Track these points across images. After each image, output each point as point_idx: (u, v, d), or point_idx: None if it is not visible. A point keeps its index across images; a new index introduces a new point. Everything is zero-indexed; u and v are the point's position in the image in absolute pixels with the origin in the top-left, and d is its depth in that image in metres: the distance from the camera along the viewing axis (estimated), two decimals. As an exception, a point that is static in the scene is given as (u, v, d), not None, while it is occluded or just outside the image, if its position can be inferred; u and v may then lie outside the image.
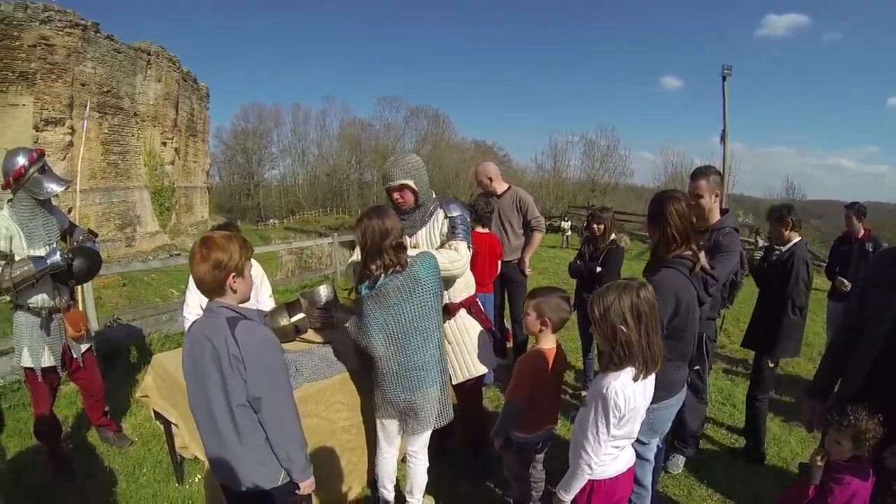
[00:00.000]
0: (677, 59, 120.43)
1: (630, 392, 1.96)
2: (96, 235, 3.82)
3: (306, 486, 2.12)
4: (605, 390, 1.95)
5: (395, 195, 3.10)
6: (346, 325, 2.86)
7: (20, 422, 4.08)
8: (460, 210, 3.23)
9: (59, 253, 3.18)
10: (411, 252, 2.82)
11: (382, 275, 2.61)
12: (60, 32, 15.89)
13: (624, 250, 4.88)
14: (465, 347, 3.30)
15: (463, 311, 3.31)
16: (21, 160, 3.11)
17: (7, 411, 4.25)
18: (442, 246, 3.15)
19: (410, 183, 3.06)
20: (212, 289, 1.96)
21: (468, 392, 3.49)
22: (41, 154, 3.24)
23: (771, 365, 3.77)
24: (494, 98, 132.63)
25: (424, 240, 3.19)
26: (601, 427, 1.98)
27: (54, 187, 3.23)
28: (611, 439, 2.02)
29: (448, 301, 3.22)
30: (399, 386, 2.71)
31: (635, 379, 1.98)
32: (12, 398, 4.40)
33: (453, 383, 3.24)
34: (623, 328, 1.94)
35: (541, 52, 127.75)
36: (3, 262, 3.13)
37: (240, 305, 2.02)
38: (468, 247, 3.16)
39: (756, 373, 3.96)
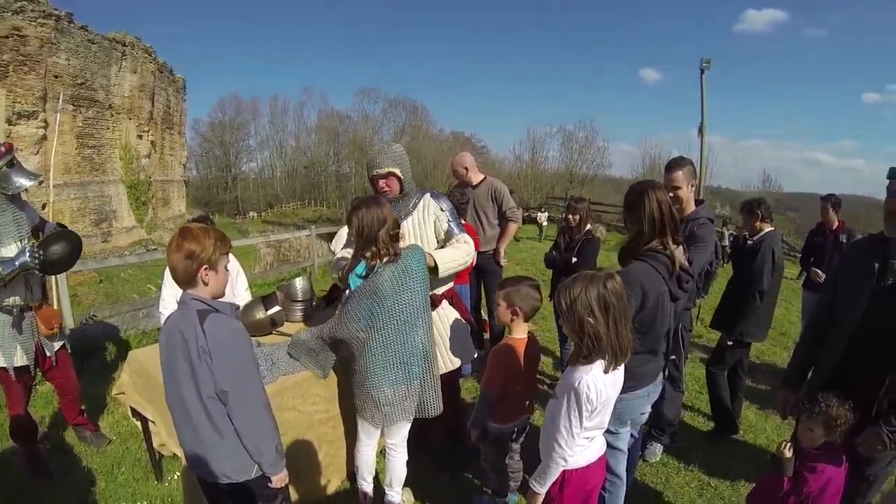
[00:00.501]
0: (656, 51, 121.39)
1: (601, 385, 1.98)
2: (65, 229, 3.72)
3: (278, 479, 2.13)
4: (576, 384, 1.96)
5: (381, 183, 3.11)
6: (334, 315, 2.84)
7: (-3, 422, 4.02)
8: (449, 203, 3.29)
9: (28, 252, 3.08)
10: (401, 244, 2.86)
11: (377, 263, 2.63)
12: (33, 23, 15.54)
13: (600, 241, 4.92)
14: (446, 340, 3.32)
15: (445, 303, 3.33)
16: None
17: (-17, 412, 4.18)
18: (444, 240, 3.20)
19: (397, 171, 3.09)
20: (183, 279, 1.98)
21: (446, 384, 3.46)
22: (10, 148, 3.16)
23: (728, 343, 3.94)
24: (473, 90, 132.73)
25: (411, 229, 3.19)
26: (574, 420, 2.00)
27: (23, 182, 3.15)
28: (583, 431, 2.04)
29: (432, 293, 3.22)
30: (384, 379, 2.71)
31: (606, 371, 1.99)
32: (-15, 399, 4.32)
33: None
34: (591, 320, 1.93)
35: (520, 43, 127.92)
36: None
37: (213, 299, 2.03)
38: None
39: (716, 348, 4.18)
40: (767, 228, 4.00)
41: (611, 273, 2.01)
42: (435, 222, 3.22)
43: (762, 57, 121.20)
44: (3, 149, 3.12)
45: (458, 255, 3.10)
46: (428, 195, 3.27)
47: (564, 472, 2.13)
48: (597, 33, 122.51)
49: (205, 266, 1.96)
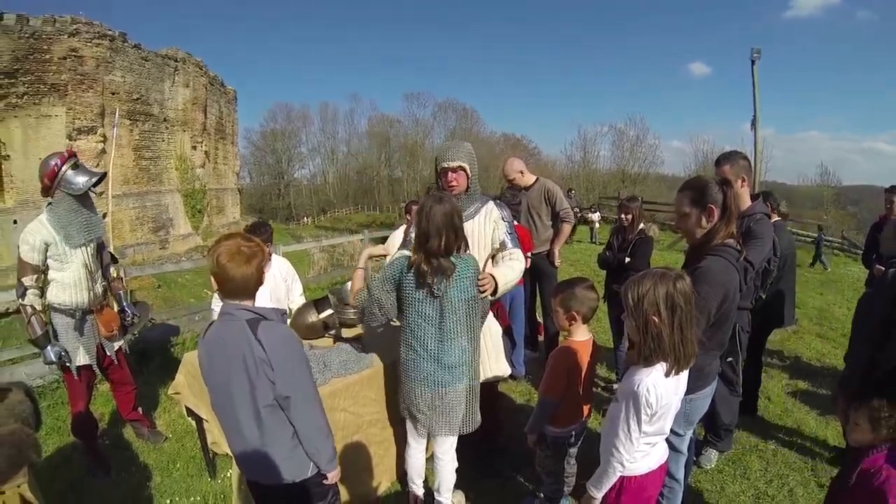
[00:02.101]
0: (704, 44, 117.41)
1: (662, 389, 1.89)
2: (116, 261, 3.95)
3: (334, 475, 2.15)
4: (636, 387, 1.88)
5: (450, 175, 3.09)
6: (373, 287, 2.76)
7: (59, 419, 4.19)
8: (507, 211, 3.27)
9: (57, 353, 3.28)
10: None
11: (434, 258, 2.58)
12: (89, 44, 16.23)
13: (653, 240, 4.83)
14: (489, 349, 3.26)
15: (490, 314, 3.27)
16: (53, 160, 3.23)
17: (47, 409, 4.35)
18: (497, 250, 3.13)
19: (466, 166, 3.09)
20: (248, 290, 1.98)
21: (486, 390, 3.42)
22: (72, 153, 3.34)
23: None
24: (522, 90, 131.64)
25: (470, 232, 3.12)
26: (633, 424, 1.92)
27: (85, 179, 3.29)
28: (642, 436, 1.95)
29: None
30: (424, 382, 2.68)
31: (667, 375, 1.89)
32: (51, 397, 4.53)
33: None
34: (655, 319, 1.84)
35: (567, 42, 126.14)
36: (32, 311, 3.24)
37: (257, 305, 2.02)
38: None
39: None
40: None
41: (681, 274, 1.91)
42: (494, 230, 3.19)
43: (814, 44, 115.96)
44: (66, 154, 3.30)
45: (514, 275, 3.05)
46: (492, 203, 3.25)
47: (622, 478, 2.04)
48: (644, 29, 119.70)
49: (263, 274, 1.99)
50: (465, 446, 3.22)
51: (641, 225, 4.76)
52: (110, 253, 3.84)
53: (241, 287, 1.96)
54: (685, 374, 1.99)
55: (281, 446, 2.02)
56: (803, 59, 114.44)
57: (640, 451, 2.02)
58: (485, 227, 3.19)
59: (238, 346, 1.91)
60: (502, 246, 3.17)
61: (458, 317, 2.63)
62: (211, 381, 2.05)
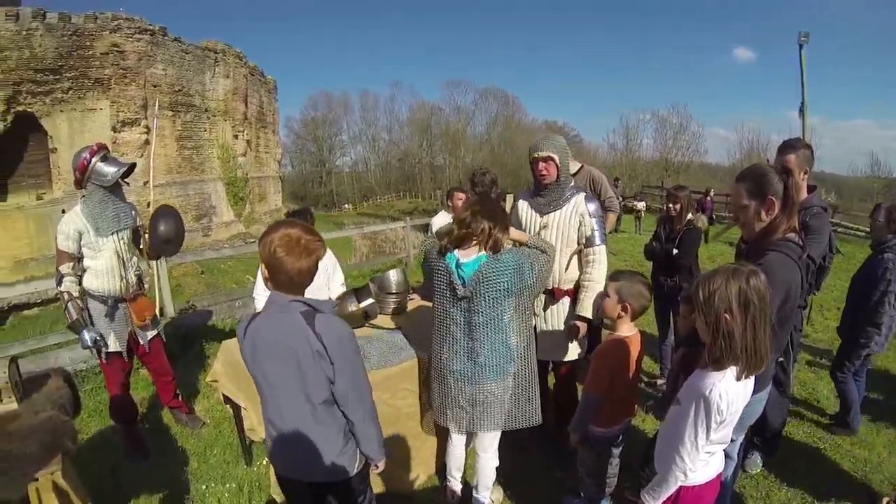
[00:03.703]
0: (749, 28, 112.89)
1: (733, 394, 1.75)
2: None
3: (384, 463, 2.14)
4: (708, 392, 1.73)
5: (541, 165, 3.19)
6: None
7: (101, 402, 4.26)
8: (596, 205, 3.27)
9: (92, 338, 3.31)
10: (542, 232, 3.17)
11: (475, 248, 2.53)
12: (130, 39, 16.62)
13: (701, 231, 4.63)
14: (559, 333, 3.29)
15: (566, 299, 3.29)
16: (84, 154, 3.29)
17: (89, 393, 4.45)
18: (584, 245, 3.21)
19: (556, 157, 3.15)
20: (303, 283, 1.88)
21: (562, 378, 3.51)
22: (101, 146, 3.38)
23: None
24: (563, 77, 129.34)
25: (557, 222, 3.24)
26: (700, 432, 1.78)
27: (117, 170, 3.33)
28: (708, 444, 1.82)
29: (555, 287, 3.26)
30: (459, 379, 2.63)
31: (738, 378, 1.75)
32: (94, 381, 4.61)
33: (544, 358, 3.23)
34: (727, 317, 1.70)
35: (608, 26, 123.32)
36: (69, 297, 3.28)
37: (309, 297, 1.92)
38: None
39: None
40: None
41: (755, 269, 1.76)
42: (580, 224, 3.21)
43: (864, 26, 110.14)
44: (95, 147, 3.35)
45: (598, 288, 3.10)
46: (581, 195, 3.26)
47: (680, 488, 1.90)
48: (688, 13, 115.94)
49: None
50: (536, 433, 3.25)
51: (689, 215, 4.57)
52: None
53: (296, 282, 1.86)
54: (752, 379, 1.84)
55: (333, 443, 1.97)
56: (852, 44, 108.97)
57: (702, 460, 1.88)
58: (570, 219, 3.22)
59: (293, 340, 1.83)
60: (588, 242, 3.20)
61: (491, 318, 2.52)
62: (258, 375, 1.96)
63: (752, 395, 2.13)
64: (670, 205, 4.59)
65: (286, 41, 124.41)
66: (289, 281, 1.84)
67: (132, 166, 3.45)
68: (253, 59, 25.02)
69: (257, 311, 2.11)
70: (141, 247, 3.66)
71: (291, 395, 1.90)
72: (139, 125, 17.05)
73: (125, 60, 16.49)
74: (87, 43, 15.57)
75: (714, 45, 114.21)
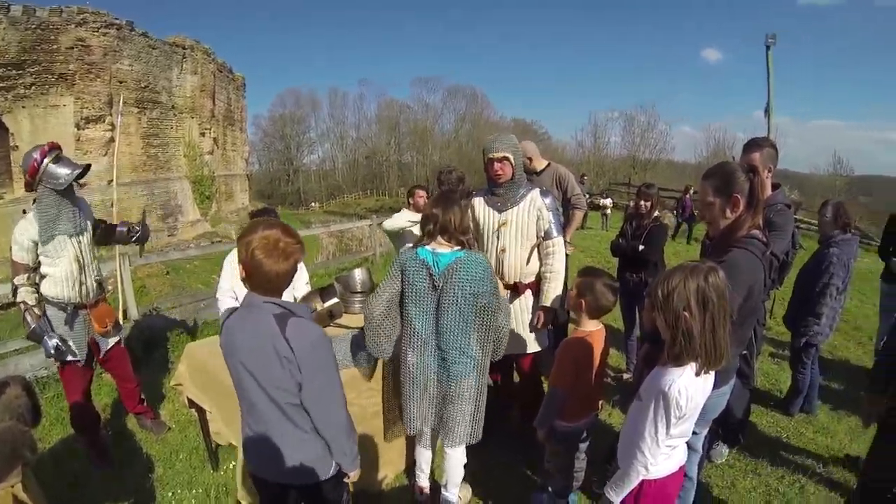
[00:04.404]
0: (718, 30, 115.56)
1: (693, 389, 1.78)
2: (140, 228, 3.82)
3: (355, 475, 2.10)
4: (667, 388, 1.76)
5: (496, 166, 3.25)
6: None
7: (63, 410, 4.11)
8: (551, 198, 3.37)
9: (55, 345, 3.21)
10: (501, 229, 3.25)
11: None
12: (96, 33, 16.19)
13: (668, 228, 4.70)
14: (523, 326, 3.37)
15: (528, 292, 3.37)
16: (34, 155, 3.12)
17: (51, 400, 4.33)
18: (543, 238, 3.29)
19: (511, 156, 3.23)
20: (280, 287, 1.86)
21: (525, 371, 3.59)
22: (53, 146, 3.22)
23: None
24: (532, 75, 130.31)
25: (514, 219, 3.30)
26: (660, 427, 1.81)
27: (70, 173, 3.17)
28: (668, 438, 1.86)
29: (517, 281, 3.33)
30: (426, 380, 2.67)
31: (697, 374, 1.79)
32: (55, 388, 4.47)
33: (508, 352, 3.23)
34: (686, 314, 1.73)
35: (579, 25, 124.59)
36: (25, 307, 3.21)
37: (284, 300, 1.91)
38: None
39: None
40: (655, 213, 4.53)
41: (714, 266, 1.79)
42: (538, 219, 3.28)
43: (830, 30, 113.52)
44: (47, 147, 3.18)
45: (560, 279, 3.28)
46: (537, 191, 3.34)
47: (643, 482, 1.94)
48: (657, 14, 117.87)
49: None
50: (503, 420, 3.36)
51: (657, 212, 4.66)
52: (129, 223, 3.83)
53: (274, 285, 1.84)
54: (712, 374, 1.88)
55: (303, 445, 1.95)
56: (819, 47, 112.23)
57: (663, 454, 1.92)
58: (527, 215, 3.28)
59: (262, 341, 1.81)
60: (547, 235, 3.28)
61: (459, 315, 2.56)
62: (232, 371, 1.94)
63: (716, 388, 2.17)
64: (641, 202, 4.65)
65: (255, 38, 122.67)
66: (266, 283, 1.82)
67: (87, 168, 3.31)
68: (221, 56, 24.65)
69: (228, 309, 2.08)
70: (112, 241, 3.60)
71: (259, 394, 1.88)
72: (104, 122, 16.61)
73: (90, 55, 16.06)
74: (52, 37, 15.11)
75: (682, 45, 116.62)
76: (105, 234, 3.61)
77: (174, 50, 20.42)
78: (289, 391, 1.84)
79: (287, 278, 1.86)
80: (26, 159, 3.12)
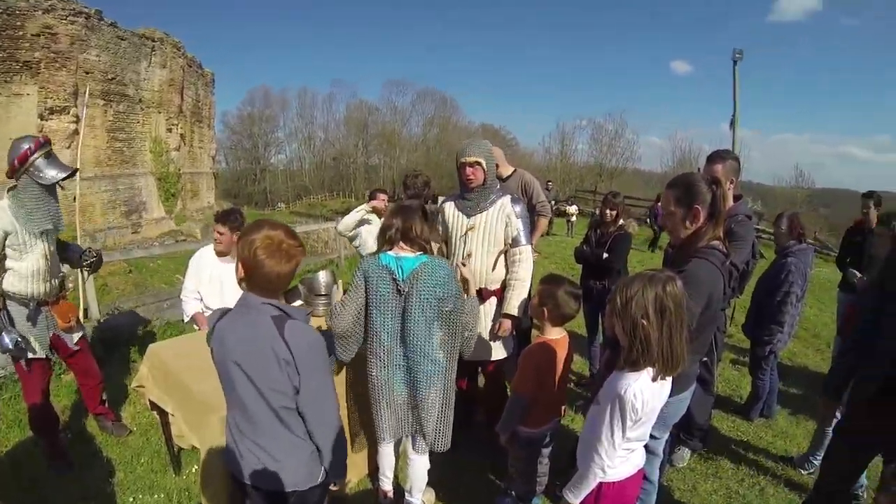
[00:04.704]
0: (687, 43, 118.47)
1: (648, 394, 1.84)
2: (97, 255, 3.74)
3: (342, 484, 2.11)
4: (622, 392, 1.82)
5: (468, 170, 3.28)
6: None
7: (20, 412, 4.01)
8: (521, 206, 3.37)
9: (13, 341, 3.11)
10: (469, 233, 3.28)
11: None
12: (63, 21, 15.74)
13: (632, 236, 4.77)
14: (487, 332, 3.37)
15: (493, 299, 3.38)
16: (26, 145, 3.06)
17: (7, 402, 4.21)
18: (511, 245, 3.31)
19: (483, 161, 3.25)
20: (280, 288, 1.86)
21: (490, 377, 3.63)
22: (47, 140, 3.19)
23: None
24: (502, 81, 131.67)
25: (483, 224, 3.32)
26: (616, 430, 1.86)
27: (58, 173, 3.14)
28: (625, 441, 1.91)
29: (482, 287, 3.33)
30: (392, 387, 2.69)
31: (654, 379, 1.84)
32: (12, 389, 4.33)
33: (472, 359, 3.31)
34: (644, 322, 1.78)
35: (550, 34, 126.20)
36: None
37: (282, 302, 1.89)
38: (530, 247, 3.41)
39: None
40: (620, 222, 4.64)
41: (672, 276, 1.84)
42: (507, 225, 3.30)
43: (796, 48, 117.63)
44: (41, 140, 3.14)
45: (525, 287, 3.28)
46: (507, 198, 3.35)
47: (601, 484, 1.99)
48: (628, 24, 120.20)
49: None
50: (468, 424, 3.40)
51: (622, 221, 4.69)
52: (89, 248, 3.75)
53: (273, 286, 1.83)
54: (669, 379, 1.94)
55: (290, 451, 1.93)
56: (785, 63, 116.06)
57: (621, 457, 1.97)
58: (496, 221, 3.30)
59: (260, 343, 1.79)
60: (514, 242, 3.30)
61: (424, 321, 2.58)
62: (223, 373, 1.92)
63: (676, 395, 2.26)
64: (607, 210, 4.67)
65: (227, 33, 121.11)
66: (266, 284, 1.81)
67: (74, 171, 3.27)
68: (191, 50, 24.28)
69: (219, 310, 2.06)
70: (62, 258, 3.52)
71: (253, 397, 1.86)
72: (68, 113, 16.11)
73: (57, 44, 15.58)
74: (18, 23, 14.63)
75: (653, 56, 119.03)
76: (58, 249, 3.50)
77: (143, 42, 20.01)
78: (285, 394, 1.83)
79: (287, 280, 1.86)
80: (16, 147, 3.05)
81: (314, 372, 1.84)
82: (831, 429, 3.04)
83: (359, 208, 4.31)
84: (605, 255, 4.53)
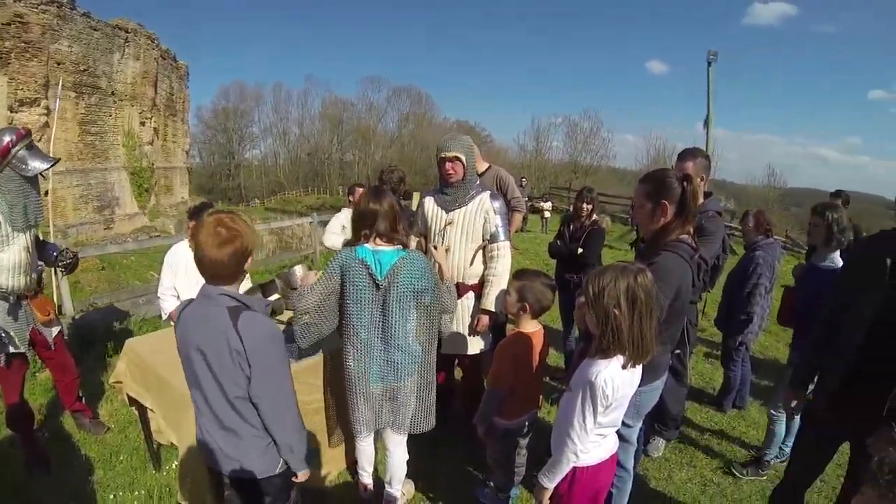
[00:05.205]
0: (663, 43, 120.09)
1: (619, 381, 1.90)
2: (73, 257, 3.67)
3: (304, 475, 2.11)
4: (593, 378, 1.88)
5: (448, 165, 3.33)
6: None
7: (-4, 411, 3.97)
8: (500, 203, 3.42)
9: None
10: (448, 228, 3.33)
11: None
12: (35, 10, 15.39)
13: (605, 232, 4.83)
14: (464, 327, 3.44)
15: (471, 294, 3.43)
16: (7, 137, 3.01)
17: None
18: (488, 241, 3.36)
19: (462, 157, 3.31)
20: (230, 274, 1.86)
21: (468, 370, 3.71)
22: (28, 132, 3.15)
23: None
24: (477, 79, 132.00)
25: (461, 219, 3.37)
26: (588, 415, 1.93)
27: (40, 164, 3.10)
28: (597, 427, 1.97)
29: (460, 282, 3.37)
30: (369, 379, 2.68)
31: (624, 367, 1.91)
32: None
33: (450, 352, 3.48)
34: (616, 311, 1.85)
35: (526, 32, 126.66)
36: None
37: (241, 293, 1.91)
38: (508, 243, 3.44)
39: None
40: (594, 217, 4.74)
41: (643, 268, 1.92)
42: (485, 221, 3.35)
43: (770, 51, 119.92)
44: (22, 132, 3.11)
45: (503, 283, 3.29)
46: (487, 194, 3.40)
47: (575, 468, 2.06)
48: (604, 23, 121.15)
49: (250, 257, 1.89)
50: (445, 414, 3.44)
51: (595, 216, 4.77)
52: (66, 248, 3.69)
53: (217, 272, 1.84)
54: (639, 367, 2.01)
55: (256, 441, 1.96)
56: (759, 65, 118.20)
57: (593, 442, 2.04)
58: (475, 216, 3.35)
59: (214, 333, 1.81)
60: (493, 238, 3.35)
61: (402, 315, 2.60)
62: (185, 361, 1.95)
63: (648, 384, 2.33)
64: (583, 204, 4.71)
65: (203, 26, 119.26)
66: (210, 269, 1.84)
67: (56, 161, 3.23)
68: (166, 43, 23.92)
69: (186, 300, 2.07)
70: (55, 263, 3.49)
71: (211, 387, 1.89)
72: (39, 105, 15.76)
73: (28, 33, 15.22)
74: (-12, 12, 14.30)
75: (628, 55, 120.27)
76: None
77: (116, 33, 19.67)
78: (238, 385, 1.85)
79: (230, 266, 1.84)
80: None
81: (266, 364, 1.85)
82: (797, 419, 3.15)
83: (335, 218, 4.33)
84: (581, 251, 4.59)
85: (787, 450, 3.56)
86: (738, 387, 4.47)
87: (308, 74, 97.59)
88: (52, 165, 3.17)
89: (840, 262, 3.14)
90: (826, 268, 3.19)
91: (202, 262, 1.83)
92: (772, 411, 3.55)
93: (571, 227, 4.81)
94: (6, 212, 3.05)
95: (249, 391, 1.86)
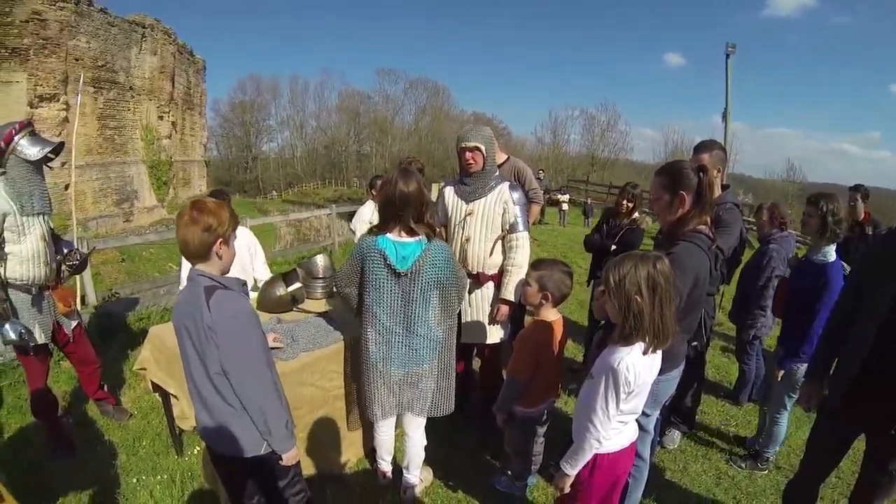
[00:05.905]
0: (681, 35, 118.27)
1: (640, 367, 1.92)
2: (81, 259, 3.66)
3: (288, 457, 2.11)
4: (616, 364, 1.90)
5: (468, 155, 3.34)
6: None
7: (20, 398, 4.05)
8: (519, 193, 3.42)
9: (17, 332, 3.07)
10: (468, 219, 3.36)
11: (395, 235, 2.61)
12: (53, 7, 15.54)
13: (643, 232, 4.70)
14: (484, 316, 3.48)
15: (490, 284, 3.45)
16: (9, 127, 3.06)
17: (7, 388, 4.23)
18: (508, 231, 3.36)
19: (482, 147, 3.31)
20: (196, 254, 1.93)
21: (486, 359, 3.75)
22: (30, 122, 3.19)
23: None
24: (494, 70, 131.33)
25: (481, 209, 3.39)
26: (611, 401, 1.94)
27: (43, 147, 3.12)
28: (618, 414, 1.99)
29: (480, 271, 3.42)
30: (389, 364, 2.70)
31: (645, 353, 1.93)
32: (12, 375, 4.37)
33: (469, 341, 3.51)
34: (637, 298, 1.87)
35: (543, 24, 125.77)
36: None
37: (221, 275, 2.00)
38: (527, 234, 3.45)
39: None
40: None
41: (660, 255, 1.95)
42: (504, 212, 3.35)
43: (789, 44, 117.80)
44: (24, 121, 3.15)
45: (522, 273, 3.23)
46: (506, 184, 3.41)
47: (596, 455, 2.08)
48: (622, 15, 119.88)
49: (220, 240, 1.94)
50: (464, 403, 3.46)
51: (636, 214, 4.65)
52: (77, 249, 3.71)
53: (189, 251, 1.94)
54: (659, 354, 2.03)
55: (237, 418, 1.99)
56: (778, 58, 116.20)
57: (614, 429, 2.05)
58: (494, 206, 3.36)
59: (192, 312, 1.90)
60: (512, 228, 3.35)
61: (425, 303, 2.63)
62: (179, 341, 2.04)
63: (666, 373, 2.34)
64: (624, 200, 4.63)
65: (218, 20, 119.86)
66: (187, 249, 1.94)
67: (60, 145, 3.24)
68: (182, 37, 24.09)
69: None
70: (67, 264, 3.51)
71: (196, 366, 1.97)
72: (58, 101, 15.95)
73: (46, 30, 15.40)
74: (7, 9, 14.45)
75: (646, 47, 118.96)
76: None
77: (133, 28, 19.83)
78: (214, 362, 1.92)
79: (195, 245, 1.92)
80: (1, 130, 3.04)
81: (234, 342, 1.91)
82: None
83: (366, 206, 4.38)
84: (613, 248, 4.48)
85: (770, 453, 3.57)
86: (755, 380, 4.43)
87: (324, 67, 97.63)
88: (55, 147, 3.19)
89: (833, 257, 3.06)
90: (818, 261, 3.10)
91: (179, 243, 1.95)
92: (774, 414, 3.47)
93: (611, 222, 4.74)
94: (17, 199, 3.08)
95: (222, 367, 1.92)
